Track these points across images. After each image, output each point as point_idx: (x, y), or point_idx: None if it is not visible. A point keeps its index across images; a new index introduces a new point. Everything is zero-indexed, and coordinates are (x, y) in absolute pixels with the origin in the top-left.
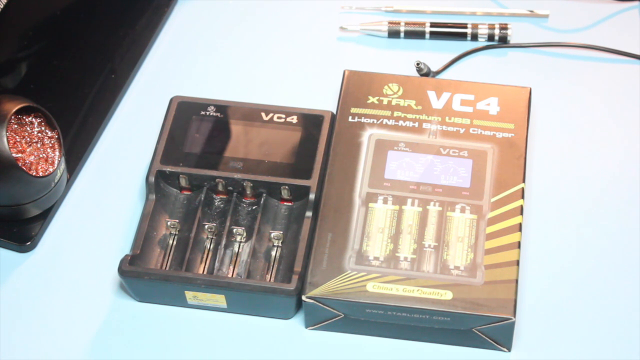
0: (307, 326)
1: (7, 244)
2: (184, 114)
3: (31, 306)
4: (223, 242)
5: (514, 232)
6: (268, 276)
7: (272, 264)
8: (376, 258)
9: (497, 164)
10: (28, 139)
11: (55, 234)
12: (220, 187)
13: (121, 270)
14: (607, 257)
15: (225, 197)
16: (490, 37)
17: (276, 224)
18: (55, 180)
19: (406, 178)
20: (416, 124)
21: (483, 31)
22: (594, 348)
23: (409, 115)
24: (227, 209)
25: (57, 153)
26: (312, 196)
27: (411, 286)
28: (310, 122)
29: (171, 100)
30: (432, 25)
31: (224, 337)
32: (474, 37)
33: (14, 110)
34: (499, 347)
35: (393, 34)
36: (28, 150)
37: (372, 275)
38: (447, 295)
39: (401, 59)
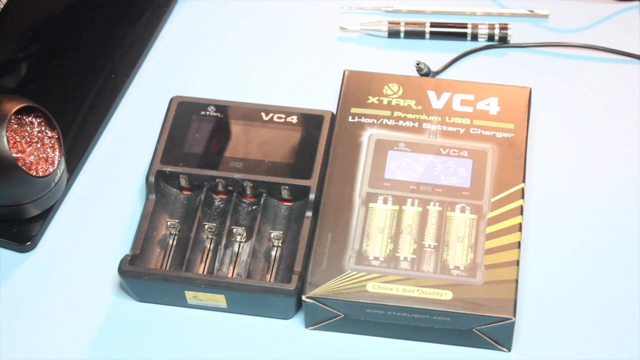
0: (307, 326)
1: (7, 244)
2: (184, 114)
3: (31, 306)
4: (223, 242)
5: (514, 232)
6: (268, 276)
7: (272, 264)
8: (376, 258)
9: (497, 164)
10: (28, 139)
11: (55, 234)
12: (220, 187)
13: (121, 270)
14: (607, 257)
15: (225, 197)
16: (490, 37)
17: (276, 224)
18: (55, 180)
19: (406, 178)
20: (416, 124)
21: (483, 31)
22: (594, 348)
23: (409, 115)
24: (227, 209)
25: (57, 153)
26: (312, 196)
27: (411, 286)
28: (310, 122)
29: (171, 100)
30: (432, 25)
31: (224, 337)
32: (474, 37)
33: (14, 110)
34: (499, 347)
35: (393, 34)
36: (28, 150)
37: (372, 275)
38: (447, 295)
39: (401, 59)
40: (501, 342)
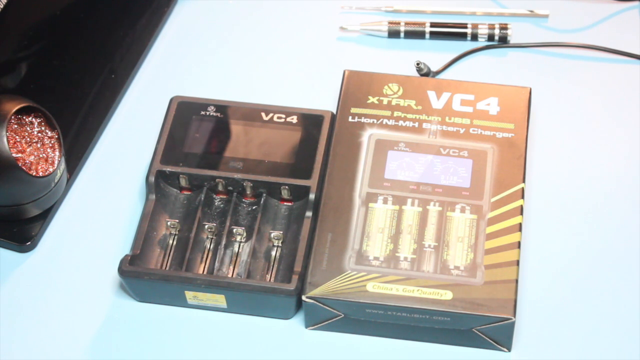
0: (307, 326)
1: (7, 244)
2: (184, 114)
3: (31, 306)
4: (223, 242)
5: (514, 232)
6: (268, 276)
7: (272, 264)
8: (376, 258)
9: (497, 164)
10: (28, 139)
11: (55, 234)
12: (220, 187)
13: (121, 270)
14: (607, 257)
15: (225, 197)
16: (490, 37)
17: (276, 224)
18: (55, 180)
19: (406, 178)
20: (416, 124)
21: (483, 31)
22: (594, 348)
23: (409, 115)
24: (227, 209)
25: (57, 153)
26: (312, 196)
27: (411, 286)
28: (310, 122)
29: (171, 100)
30: (432, 25)
31: (224, 337)
32: (474, 37)
33: (14, 110)
34: (499, 347)
35: (393, 34)
36: (28, 150)
37: (372, 275)
38: (447, 295)
39: (401, 59)
40: (501, 342)
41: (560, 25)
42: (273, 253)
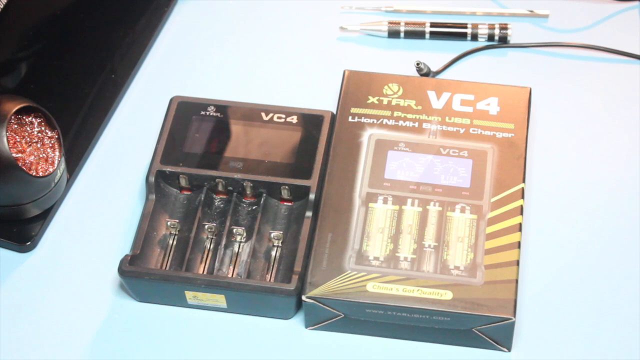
0: (307, 326)
1: (7, 244)
2: (184, 114)
3: (31, 306)
4: (223, 242)
5: (514, 232)
6: (268, 276)
7: (272, 264)
8: (376, 258)
9: (497, 164)
10: (28, 139)
11: (55, 234)
12: (220, 187)
13: (121, 270)
14: (607, 257)
15: (225, 197)
16: (490, 37)
17: (276, 224)
18: (55, 180)
19: (406, 178)
20: (416, 124)
21: (483, 31)
22: (594, 348)
23: (409, 115)
24: (227, 209)
25: (57, 153)
26: (312, 196)
27: (411, 286)
28: (310, 122)
29: (171, 100)
30: (432, 25)
31: (224, 337)
32: (474, 37)
33: (14, 110)
34: (499, 347)
35: (393, 34)
36: (28, 150)
37: (372, 275)
38: (447, 295)
39: (401, 59)
40: (501, 342)
41: (560, 25)
42: (273, 253)
